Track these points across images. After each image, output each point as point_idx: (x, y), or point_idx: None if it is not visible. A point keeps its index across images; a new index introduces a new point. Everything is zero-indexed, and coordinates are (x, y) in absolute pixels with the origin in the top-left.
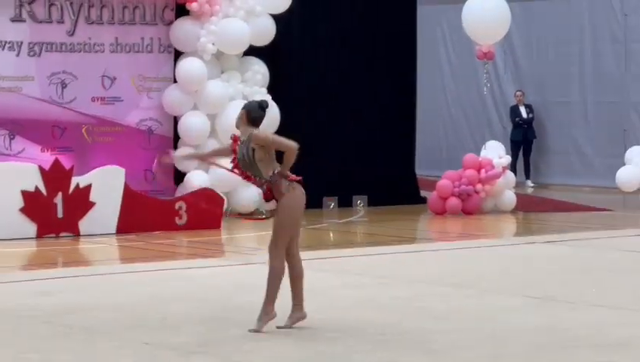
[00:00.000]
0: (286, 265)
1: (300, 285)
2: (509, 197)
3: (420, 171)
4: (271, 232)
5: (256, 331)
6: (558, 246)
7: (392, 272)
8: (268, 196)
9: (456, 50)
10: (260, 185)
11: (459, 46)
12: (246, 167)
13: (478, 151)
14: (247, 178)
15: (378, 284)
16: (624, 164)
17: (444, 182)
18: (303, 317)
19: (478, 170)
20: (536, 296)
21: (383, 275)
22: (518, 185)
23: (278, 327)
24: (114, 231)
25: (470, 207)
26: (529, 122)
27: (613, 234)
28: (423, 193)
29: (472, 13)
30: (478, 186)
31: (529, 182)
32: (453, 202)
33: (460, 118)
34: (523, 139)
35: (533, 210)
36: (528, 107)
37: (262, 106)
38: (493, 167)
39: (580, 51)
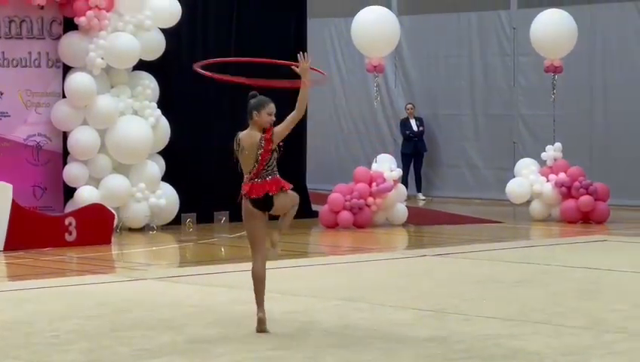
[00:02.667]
0: None
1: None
2: (401, 211)
3: (311, 185)
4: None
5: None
6: (450, 259)
7: (283, 286)
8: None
9: (347, 62)
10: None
11: (349, 59)
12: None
13: (369, 165)
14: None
15: (269, 299)
16: (514, 176)
17: (335, 196)
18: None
19: (370, 184)
20: (428, 309)
21: (275, 290)
22: (410, 198)
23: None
24: (2, 248)
25: (361, 221)
26: (420, 135)
27: (504, 246)
28: (314, 207)
29: (362, 27)
30: (370, 200)
31: (420, 195)
32: (345, 216)
33: (350, 131)
34: (414, 152)
35: (424, 223)
36: (419, 120)
37: (251, 96)
38: (384, 180)
39: (470, 65)
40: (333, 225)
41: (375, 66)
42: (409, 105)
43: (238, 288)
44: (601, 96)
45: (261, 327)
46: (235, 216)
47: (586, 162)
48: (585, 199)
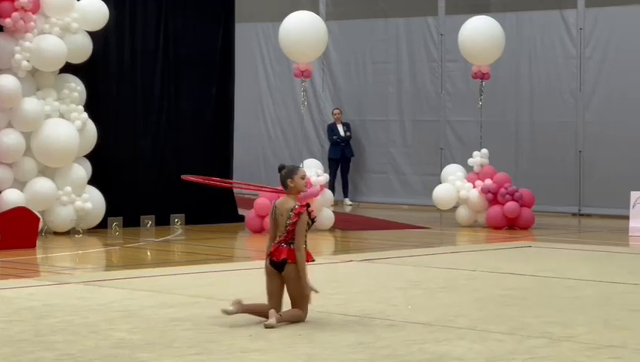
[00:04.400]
0: None
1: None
2: (327, 216)
3: (238, 189)
4: None
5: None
6: (376, 264)
7: (209, 291)
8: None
9: (275, 67)
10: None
11: (277, 63)
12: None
13: None
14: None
15: (195, 303)
16: (440, 182)
17: (261, 201)
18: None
19: None
20: (354, 314)
21: (200, 294)
22: (337, 203)
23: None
24: None
25: None
26: (347, 140)
27: (430, 252)
28: (240, 211)
29: (289, 32)
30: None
31: (347, 201)
32: None
33: (277, 136)
34: (341, 157)
35: (351, 228)
36: (346, 125)
37: (279, 169)
38: (311, 185)
39: (398, 70)
40: (260, 230)
41: (302, 71)
42: (336, 111)
43: (164, 292)
44: (527, 102)
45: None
46: (162, 220)
47: (512, 168)
48: (510, 205)
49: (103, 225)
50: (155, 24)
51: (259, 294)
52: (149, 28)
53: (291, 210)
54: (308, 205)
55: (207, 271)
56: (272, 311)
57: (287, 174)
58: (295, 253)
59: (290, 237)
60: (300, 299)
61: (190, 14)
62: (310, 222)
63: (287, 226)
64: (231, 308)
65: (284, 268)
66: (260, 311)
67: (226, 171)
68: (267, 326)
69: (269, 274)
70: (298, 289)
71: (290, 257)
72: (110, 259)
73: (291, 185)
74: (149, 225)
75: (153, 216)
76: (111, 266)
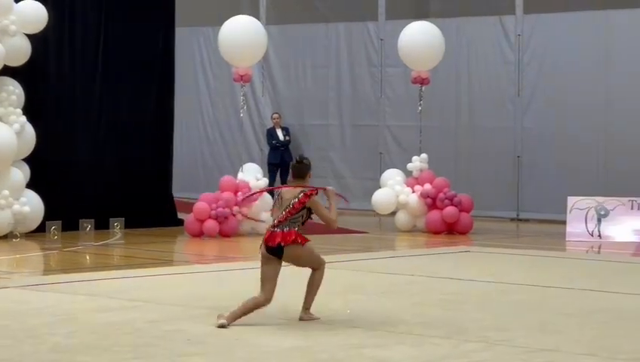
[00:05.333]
0: None
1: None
2: (267, 220)
3: (177, 193)
4: None
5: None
6: None
7: (148, 295)
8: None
9: (214, 71)
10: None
11: (217, 67)
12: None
13: (235, 174)
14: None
15: (133, 307)
16: (380, 187)
17: (201, 205)
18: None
19: (235, 193)
20: (293, 318)
21: (139, 298)
22: None
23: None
24: None
25: (227, 230)
26: (286, 145)
27: (369, 256)
28: (180, 215)
29: (229, 36)
30: (235, 208)
31: None
32: (210, 224)
33: (217, 140)
34: (280, 161)
35: None
36: (285, 130)
37: (297, 161)
38: (250, 189)
39: (337, 75)
40: (199, 234)
41: (242, 76)
42: (275, 115)
43: (103, 296)
44: (467, 108)
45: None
46: (101, 224)
47: (451, 173)
48: (449, 210)
49: (41, 228)
50: (95, 26)
51: (198, 297)
52: (89, 31)
53: (299, 193)
54: (317, 191)
55: (146, 275)
56: (220, 314)
57: (309, 167)
58: (291, 234)
59: (287, 218)
60: (316, 263)
61: (130, 17)
62: (308, 214)
63: (289, 206)
64: (223, 320)
65: (283, 251)
66: (248, 309)
67: (165, 174)
68: (220, 326)
69: (265, 260)
70: (309, 259)
71: (285, 240)
72: (49, 263)
73: (308, 178)
74: (88, 229)
75: (92, 219)
76: (49, 270)
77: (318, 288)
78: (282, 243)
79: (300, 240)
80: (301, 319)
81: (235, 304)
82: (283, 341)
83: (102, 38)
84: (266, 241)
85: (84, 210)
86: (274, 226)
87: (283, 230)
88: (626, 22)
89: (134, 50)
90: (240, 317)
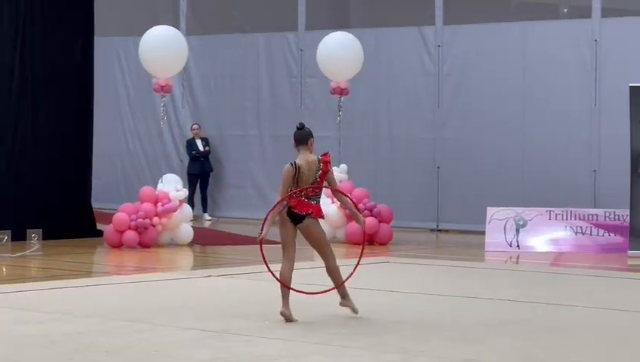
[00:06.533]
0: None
1: (337, 275)
2: (186, 231)
3: (97, 204)
4: None
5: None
6: (235, 279)
7: (65, 307)
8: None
9: (134, 81)
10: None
11: (137, 78)
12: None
13: (155, 184)
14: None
15: (51, 320)
16: None
17: (120, 215)
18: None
19: (155, 203)
20: (212, 329)
21: (57, 310)
22: (196, 218)
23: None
24: None
25: (147, 241)
26: (205, 155)
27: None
28: (99, 226)
29: (150, 46)
30: (155, 219)
31: (206, 216)
32: (130, 235)
33: (137, 151)
34: (200, 172)
35: (210, 243)
36: (205, 140)
37: (298, 127)
38: (169, 200)
39: (257, 85)
40: (119, 245)
41: (162, 86)
42: (195, 126)
43: (18, 309)
44: (386, 118)
45: (288, 319)
46: (18, 236)
47: (371, 184)
48: (369, 221)
49: None
50: (12, 37)
51: (116, 308)
52: (6, 39)
53: (318, 161)
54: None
55: (64, 286)
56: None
57: (310, 133)
58: (321, 209)
59: (316, 191)
60: (325, 246)
61: (48, 27)
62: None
63: (317, 178)
64: (286, 312)
65: (303, 220)
66: (286, 280)
67: (85, 186)
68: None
69: (285, 224)
70: (322, 236)
71: (317, 213)
72: None
73: (311, 143)
74: (4, 241)
75: (9, 231)
76: None
77: (339, 271)
78: (313, 215)
79: (323, 218)
80: (341, 305)
81: (154, 315)
82: (200, 352)
83: (18, 49)
84: (293, 207)
85: (1, 221)
86: (307, 197)
87: (317, 203)
88: (543, 33)
89: (52, 61)
90: (287, 292)
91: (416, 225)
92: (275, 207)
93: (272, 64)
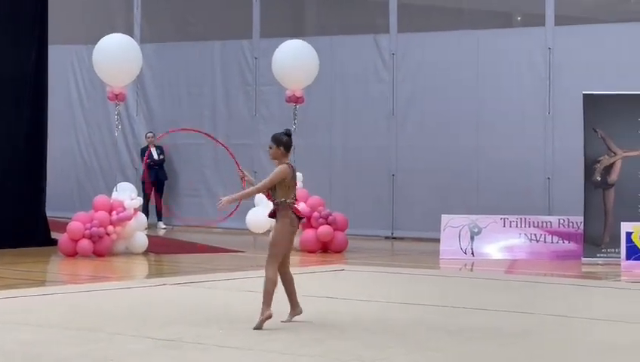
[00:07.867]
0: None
1: (293, 288)
2: (141, 239)
3: (51, 212)
4: None
5: (258, 328)
6: (190, 288)
7: (19, 317)
8: (272, 215)
9: (88, 90)
10: (274, 204)
11: (91, 86)
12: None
13: (109, 193)
14: (268, 196)
15: (4, 329)
16: (254, 206)
17: (74, 224)
18: (299, 312)
19: (110, 212)
20: (166, 338)
21: (10, 320)
22: (150, 226)
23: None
24: None
25: (101, 249)
26: (160, 163)
27: (244, 276)
28: (53, 235)
29: (104, 54)
30: (110, 228)
31: (161, 224)
32: (84, 244)
33: (91, 159)
34: (155, 180)
35: (165, 251)
36: (159, 148)
37: (287, 134)
38: (124, 208)
39: (212, 93)
40: (73, 254)
41: (117, 95)
42: (149, 134)
43: None
44: (341, 126)
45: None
46: None
47: (326, 192)
48: (324, 229)
49: None
50: None
51: (71, 317)
52: None
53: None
54: None
55: (17, 296)
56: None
57: (291, 141)
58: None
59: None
60: (273, 246)
61: (1, 37)
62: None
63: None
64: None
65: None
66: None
67: (39, 195)
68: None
69: (293, 234)
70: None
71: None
72: None
73: (290, 152)
74: None
75: None
76: None
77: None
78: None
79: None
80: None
81: (109, 324)
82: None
83: None
84: (298, 213)
85: None
86: (294, 203)
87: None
88: (496, 41)
89: (5, 69)
90: (292, 297)
91: (372, 233)
92: (252, 193)
93: (227, 72)
